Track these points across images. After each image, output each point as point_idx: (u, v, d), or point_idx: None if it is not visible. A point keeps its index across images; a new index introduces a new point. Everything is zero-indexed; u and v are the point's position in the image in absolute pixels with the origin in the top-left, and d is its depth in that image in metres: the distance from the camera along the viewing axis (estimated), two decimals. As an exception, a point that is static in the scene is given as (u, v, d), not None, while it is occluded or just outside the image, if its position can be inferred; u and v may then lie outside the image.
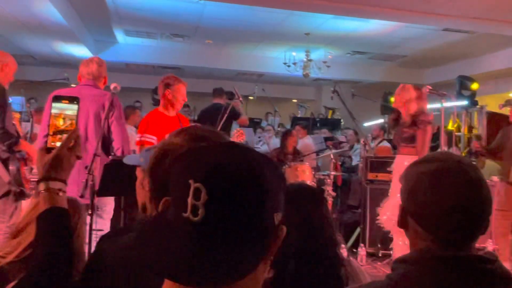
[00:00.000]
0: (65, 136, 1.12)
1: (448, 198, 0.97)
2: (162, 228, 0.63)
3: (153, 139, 3.27)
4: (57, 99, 1.14)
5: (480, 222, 0.99)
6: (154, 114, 3.50)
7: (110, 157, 3.03)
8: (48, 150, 1.09)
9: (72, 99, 1.14)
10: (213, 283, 0.57)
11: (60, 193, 1.06)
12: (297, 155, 5.86)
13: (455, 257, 0.97)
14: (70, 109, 1.14)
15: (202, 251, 0.58)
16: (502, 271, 0.97)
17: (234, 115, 5.38)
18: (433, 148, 7.54)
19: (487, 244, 3.87)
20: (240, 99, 5.39)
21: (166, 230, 0.62)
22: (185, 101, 3.58)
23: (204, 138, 1.01)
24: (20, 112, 7.82)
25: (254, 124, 9.28)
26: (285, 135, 6.01)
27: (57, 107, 1.14)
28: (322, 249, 1.27)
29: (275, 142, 7.46)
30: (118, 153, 3.04)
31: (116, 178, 2.49)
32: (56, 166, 1.06)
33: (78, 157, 1.12)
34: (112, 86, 2.94)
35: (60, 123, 1.14)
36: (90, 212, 2.57)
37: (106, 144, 3.10)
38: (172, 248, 0.59)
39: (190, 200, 0.59)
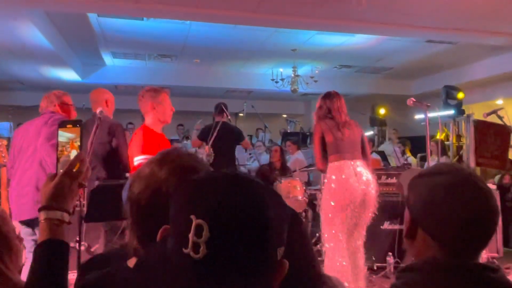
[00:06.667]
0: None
1: (464, 211, 1.00)
2: (162, 262, 0.62)
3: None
4: (63, 124, 1.11)
5: (492, 232, 1.03)
6: (146, 133, 3.07)
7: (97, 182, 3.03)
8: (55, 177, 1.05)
9: (75, 123, 1.10)
10: None
11: (60, 224, 1.01)
12: (285, 170, 5.87)
13: (461, 265, 0.99)
14: (61, 135, 1.10)
15: None
16: (504, 280, 1.00)
17: (239, 137, 5.56)
18: (422, 158, 7.56)
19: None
20: (229, 117, 5.43)
21: (166, 264, 0.61)
22: (173, 110, 3.26)
23: (192, 169, 0.96)
24: (8, 138, 7.73)
25: (245, 140, 9.28)
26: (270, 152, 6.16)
27: (59, 134, 1.10)
28: (302, 267, 1.25)
29: (266, 158, 7.46)
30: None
31: (103, 203, 2.47)
32: (56, 194, 1.02)
33: (81, 185, 1.07)
34: (98, 110, 2.94)
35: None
36: (77, 239, 2.54)
37: (113, 168, 3.44)
38: (172, 285, 0.58)
39: (191, 236, 0.58)
